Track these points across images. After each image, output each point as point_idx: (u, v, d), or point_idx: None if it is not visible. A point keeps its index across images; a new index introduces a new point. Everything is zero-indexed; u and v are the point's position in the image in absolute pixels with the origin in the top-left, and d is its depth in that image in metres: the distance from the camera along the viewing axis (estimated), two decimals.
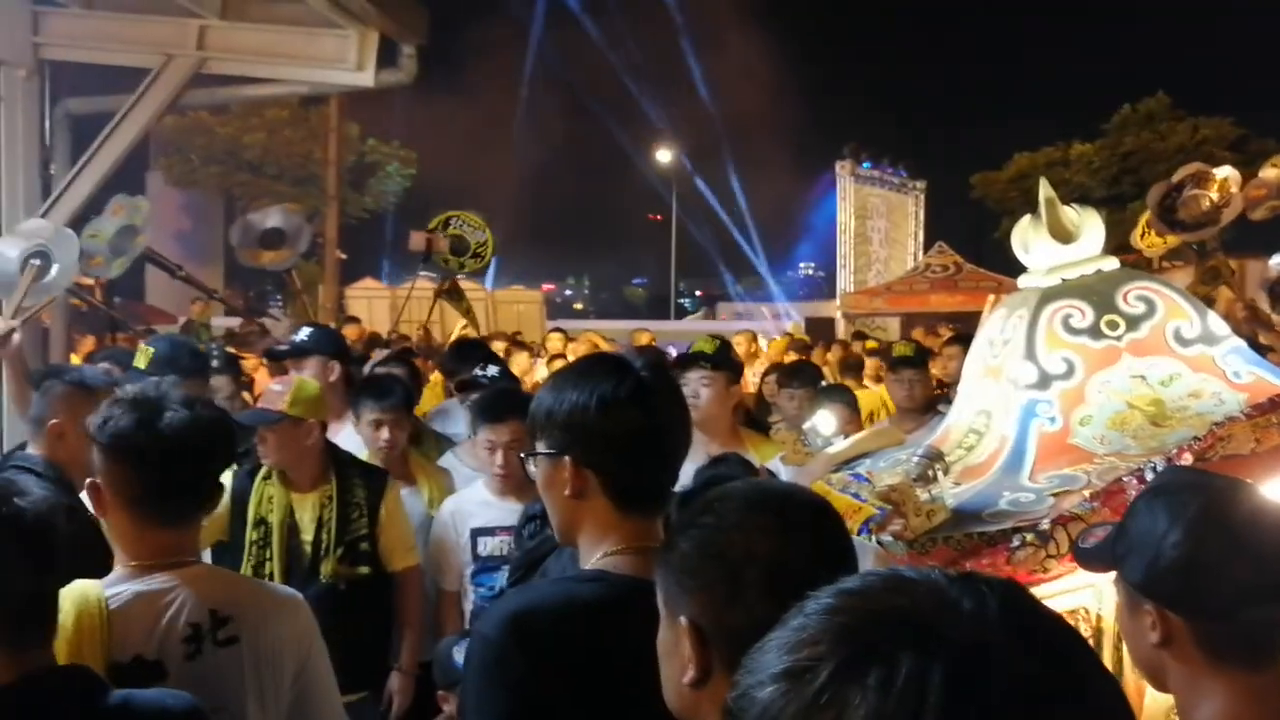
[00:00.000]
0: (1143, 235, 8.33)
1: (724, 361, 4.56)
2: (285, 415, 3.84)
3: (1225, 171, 8.32)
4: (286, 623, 2.41)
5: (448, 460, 4.77)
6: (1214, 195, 8.05)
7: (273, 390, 3.98)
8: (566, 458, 1.84)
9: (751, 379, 8.74)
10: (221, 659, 2.27)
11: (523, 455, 1.98)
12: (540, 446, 1.89)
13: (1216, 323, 2.86)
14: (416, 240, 9.03)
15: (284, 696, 2.38)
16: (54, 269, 5.36)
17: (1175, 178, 8.45)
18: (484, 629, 1.77)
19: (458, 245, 9.54)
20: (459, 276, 10.43)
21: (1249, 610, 1.62)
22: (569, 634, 1.73)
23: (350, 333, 10.87)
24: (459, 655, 3.10)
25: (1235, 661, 1.63)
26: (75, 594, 2.21)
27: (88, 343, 10.57)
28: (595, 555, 1.86)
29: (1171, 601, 1.66)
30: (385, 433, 4.39)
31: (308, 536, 3.86)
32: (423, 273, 11.32)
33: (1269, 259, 8.01)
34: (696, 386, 4.40)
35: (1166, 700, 2.12)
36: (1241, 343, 2.87)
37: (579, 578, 1.87)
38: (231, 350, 7.89)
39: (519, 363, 9.66)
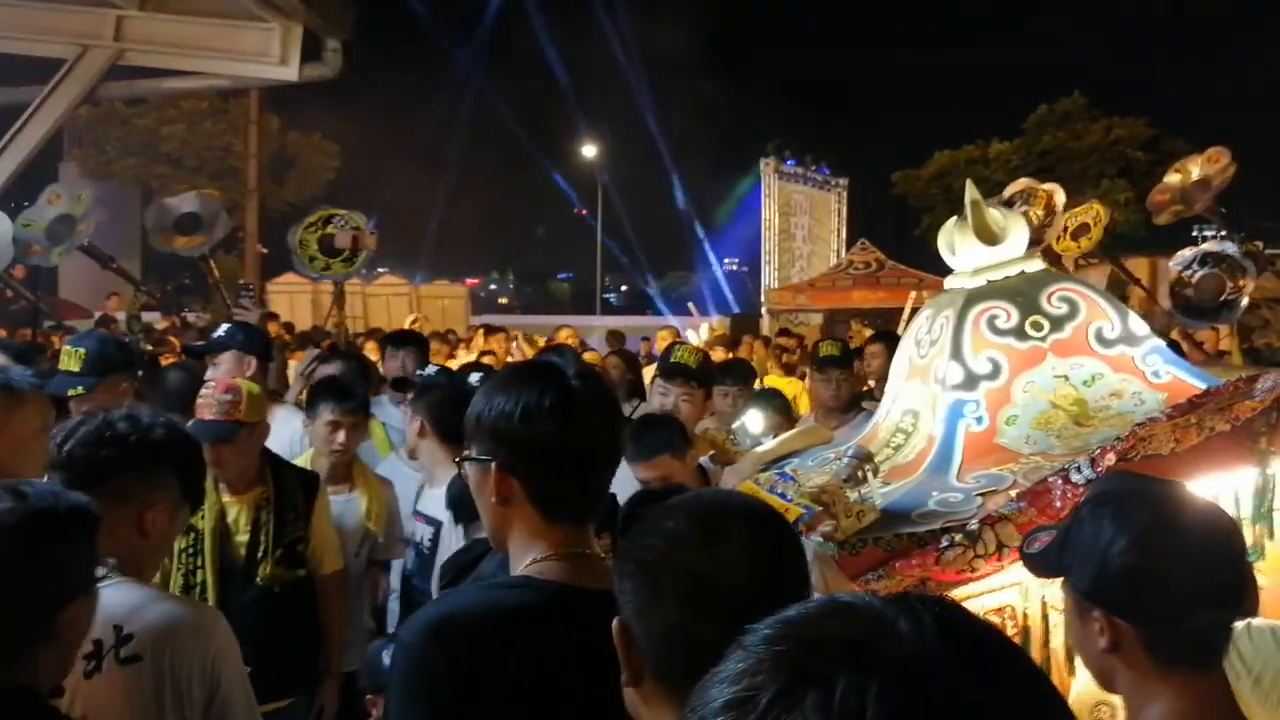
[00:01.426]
0: (1058, 239, 8.49)
1: (705, 377, 4.65)
2: (243, 424, 3.70)
3: (1049, 188, 8.54)
4: (196, 643, 2.32)
5: (391, 463, 4.75)
6: (1040, 212, 8.24)
7: (221, 399, 3.72)
8: (493, 464, 1.83)
9: None
10: (121, 678, 2.18)
11: (457, 460, 1.96)
12: (471, 452, 1.89)
13: (1137, 323, 2.93)
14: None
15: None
16: None
17: (1006, 193, 8.63)
18: (405, 636, 1.76)
19: (329, 245, 9.26)
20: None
21: (1195, 615, 1.65)
22: (491, 641, 1.72)
23: (270, 328, 10.66)
24: (389, 658, 3.07)
25: (1183, 665, 1.66)
26: None
27: None
28: (524, 562, 1.85)
29: (1119, 608, 1.68)
30: (341, 435, 4.31)
31: (242, 539, 3.74)
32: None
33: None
34: (677, 400, 4.48)
35: (1092, 697, 2.17)
36: (1161, 343, 2.94)
37: (504, 584, 1.87)
38: (149, 348, 7.74)
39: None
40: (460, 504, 3.41)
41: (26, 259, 7.70)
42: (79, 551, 1.90)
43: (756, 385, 6.09)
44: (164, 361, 7.20)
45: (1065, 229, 8.56)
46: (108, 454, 2.31)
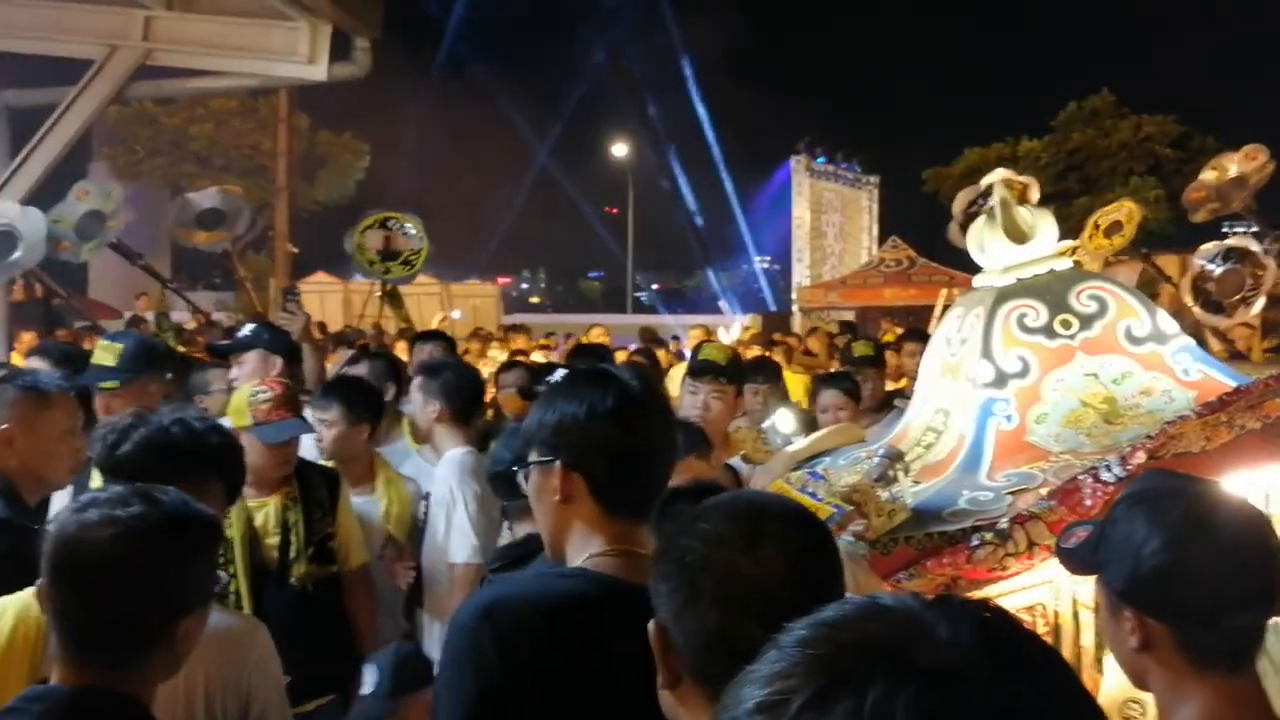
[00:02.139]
0: (1090, 237, 8.39)
1: (735, 374, 4.58)
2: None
3: (1025, 180, 8.41)
4: (232, 656, 2.32)
5: (415, 463, 4.75)
6: None
7: (292, 397, 3.81)
8: (557, 462, 1.88)
9: None
10: None
11: (514, 469, 2.02)
12: (531, 458, 1.93)
13: (1166, 321, 2.90)
14: (374, 240, 8.92)
15: None
16: (20, 249, 5.27)
17: (982, 184, 8.51)
18: (460, 616, 1.81)
19: (388, 249, 9.26)
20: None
21: (1229, 617, 1.63)
22: (541, 626, 1.76)
23: None
24: (368, 674, 3.14)
25: (1216, 665, 1.64)
26: (19, 604, 2.16)
27: (28, 338, 10.37)
28: (580, 557, 1.89)
29: (1152, 608, 1.67)
30: (315, 430, 4.29)
31: (272, 541, 3.72)
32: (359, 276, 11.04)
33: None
34: (707, 398, 4.40)
35: (1122, 694, 2.15)
36: (1190, 341, 2.91)
37: (558, 573, 1.91)
38: (180, 348, 7.80)
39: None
40: (499, 481, 3.39)
41: (56, 255, 7.80)
42: (204, 563, 1.90)
43: None
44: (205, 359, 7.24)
45: (1097, 226, 8.47)
46: (157, 458, 2.31)
